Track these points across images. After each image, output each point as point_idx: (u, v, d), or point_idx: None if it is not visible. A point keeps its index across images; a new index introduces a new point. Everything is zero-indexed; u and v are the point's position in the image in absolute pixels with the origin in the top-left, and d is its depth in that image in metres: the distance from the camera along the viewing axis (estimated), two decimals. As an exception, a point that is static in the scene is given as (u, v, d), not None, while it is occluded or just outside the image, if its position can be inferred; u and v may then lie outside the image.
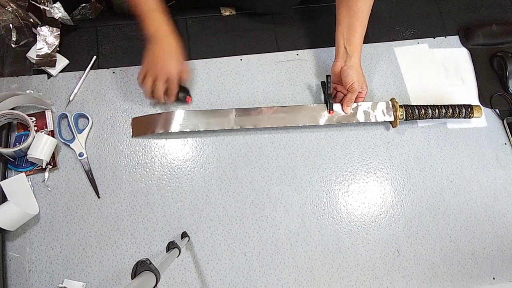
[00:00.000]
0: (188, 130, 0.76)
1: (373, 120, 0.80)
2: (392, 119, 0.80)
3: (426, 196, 0.80)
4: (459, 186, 0.81)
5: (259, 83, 0.85)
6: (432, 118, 0.81)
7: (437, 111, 0.80)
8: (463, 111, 0.81)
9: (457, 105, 0.81)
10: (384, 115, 0.80)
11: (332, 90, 0.80)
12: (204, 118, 0.77)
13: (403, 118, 0.80)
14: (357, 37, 0.75)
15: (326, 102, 0.80)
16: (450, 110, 0.80)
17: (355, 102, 0.79)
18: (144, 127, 0.77)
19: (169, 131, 0.75)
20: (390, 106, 0.80)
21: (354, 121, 0.79)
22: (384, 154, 0.82)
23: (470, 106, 0.81)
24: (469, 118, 0.82)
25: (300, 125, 0.79)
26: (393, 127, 0.82)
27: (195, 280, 0.71)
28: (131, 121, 0.79)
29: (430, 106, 0.81)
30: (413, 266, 0.75)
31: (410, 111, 0.80)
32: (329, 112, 0.79)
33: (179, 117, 0.76)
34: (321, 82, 0.84)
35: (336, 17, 0.78)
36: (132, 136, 0.78)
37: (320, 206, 0.77)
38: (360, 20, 0.76)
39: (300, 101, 0.84)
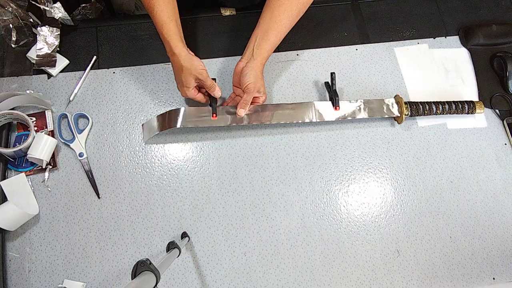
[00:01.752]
0: (192, 126, 0.75)
1: (378, 116, 0.80)
2: (398, 114, 0.81)
3: (426, 196, 0.80)
4: (459, 186, 0.81)
5: (259, 83, 0.85)
6: (436, 114, 0.82)
7: (440, 107, 0.81)
8: (466, 107, 0.82)
9: (460, 101, 0.82)
10: (390, 111, 0.81)
11: (231, 96, 0.80)
12: (209, 114, 0.76)
13: (408, 114, 0.80)
14: (268, 44, 0.75)
15: (331, 99, 0.80)
16: (453, 106, 0.82)
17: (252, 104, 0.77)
18: (152, 129, 0.77)
19: (176, 127, 0.74)
20: (395, 102, 0.82)
21: (360, 117, 0.79)
22: (384, 154, 0.82)
23: (472, 102, 0.83)
24: (472, 113, 0.83)
25: (306, 121, 0.78)
26: (398, 123, 0.83)
27: (195, 280, 0.71)
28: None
29: (434, 102, 0.82)
30: (413, 266, 0.75)
31: (415, 107, 0.81)
32: (335, 108, 0.79)
33: (184, 114, 0.75)
34: (325, 82, 0.84)
35: (259, 18, 0.77)
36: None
37: (320, 206, 0.77)
38: (277, 30, 0.75)
39: (300, 101, 0.84)
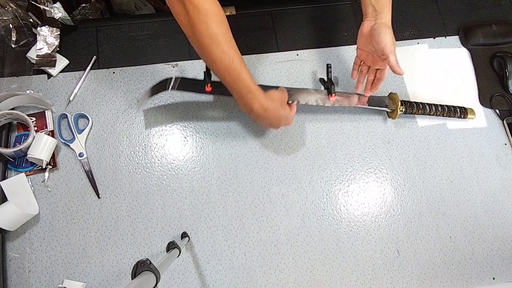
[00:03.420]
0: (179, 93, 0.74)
1: (372, 107, 0.80)
2: (392, 108, 0.81)
3: (426, 196, 0.80)
4: (459, 186, 0.81)
5: (259, 83, 0.84)
6: (429, 115, 0.83)
7: (434, 108, 0.82)
8: (458, 111, 0.83)
9: (453, 106, 0.84)
10: (384, 106, 0.81)
11: (356, 62, 0.78)
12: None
13: (403, 110, 0.80)
14: None
15: (327, 88, 0.79)
16: (446, 109, 0.83)
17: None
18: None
19: (168, 90, 0.72)
20: (389, 99, 0.82)
21: (353, 105, 0.79)
22: (384, 154, 0.82)
23: (464, 108, 0.84)
24: (463, 118, 0.85)
25: (302, 103, 0.76)
26: (392, 118, 0.83)
27: (195, 280, 0.71)
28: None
29: (428, 104, 0.83)
30: (413, 266, 0.75)
31: (409, 104, 0.81)
32: (330, 96, 0.77)
33: (178, 80, 0.74)
34: (320, 78, 0.84)
35: None
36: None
37: (320, 206, 0.77)
38: None
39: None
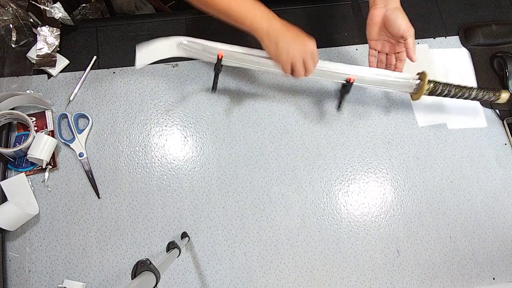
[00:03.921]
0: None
1: (396, 81, 0.74)
2: (416, 89, 0.75)
3: (426, 196, 0.80)
4: (459, 186, 0.81)
5: (259, 83, 0.85)
6: (454, 97, 0.77)
7: (461, 91, 0.76)
8: (489, 92, 0.77)
9: (481, 88, 0.77)
10: (410, 84, 0.75)
11: (371, 54, 0.74)
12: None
13: (428, 91, 0.74)
14: None
15: (339, 101, 0.77)
16: (474, 91, 0.76)
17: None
18: (150, 53, 0.72)
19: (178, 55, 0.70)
20: (418, 78, 0.76)
21: (376, 85, 0.74)
22: (384, 154, 0.82)
23: (498, 90, 0.77)
24: (497, 100, 0.78)
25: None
26: (413, 100, 0.77)
27: (195, 280, 0.71)
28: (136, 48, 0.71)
29: (455, 85, 0.76)
30: (413, 266, 0.75)
31: (435, 84, 0.75)
32: (349, 79, 0.72)
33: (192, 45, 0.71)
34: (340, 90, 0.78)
35: None
36: (136, 67, 0.71)
37: (320, 206, 0.77)
38: None
39: (300, 101, 0.84)
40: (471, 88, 0.77)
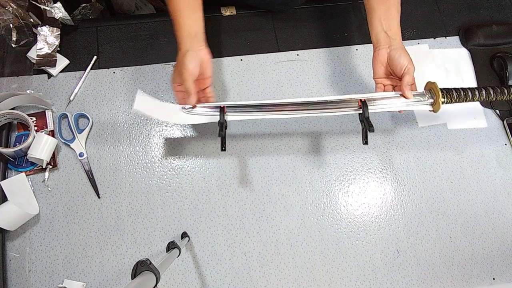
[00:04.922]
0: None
1: (412, 108, 0.72)
2: (432, 102, 0.72)
3: (426, 196, 0.80)
4: (459, 187, 0.81)
5: (259, 83, 0.85)
6: (473, 101, 0.73)
7: (480, 92, 0.72)
8: (509, 89, 0.73)
9: (498, 86, 0.73)
10: (422, 102, 0.72)
11: (378, 88, 0.74)
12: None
13: (444, 101, 0.71)
14: (395, 21, 0.71)
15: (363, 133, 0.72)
16: (491, 91, 0.73)
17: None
18: (150, 107, 0.68)
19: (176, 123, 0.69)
20: (427, 90, 0.73)
21: (392, 110, 0.71)
22: (384, 154, 0.82)
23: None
24: None
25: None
26: (434, 112, 0.73)
27: (195, 280, 0.71)
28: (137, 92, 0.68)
29: (470, 88, 0.73)
30: (413, 266, 0.75)
31: (449, 93, 0.72)
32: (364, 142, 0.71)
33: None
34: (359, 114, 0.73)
35: (366, 5, 0.74)
36: (132, 110, 0.67)
37: (320, 206, 0.77)
38: (396, 5, 0.72)
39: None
40: (486, 88, 0.73)
